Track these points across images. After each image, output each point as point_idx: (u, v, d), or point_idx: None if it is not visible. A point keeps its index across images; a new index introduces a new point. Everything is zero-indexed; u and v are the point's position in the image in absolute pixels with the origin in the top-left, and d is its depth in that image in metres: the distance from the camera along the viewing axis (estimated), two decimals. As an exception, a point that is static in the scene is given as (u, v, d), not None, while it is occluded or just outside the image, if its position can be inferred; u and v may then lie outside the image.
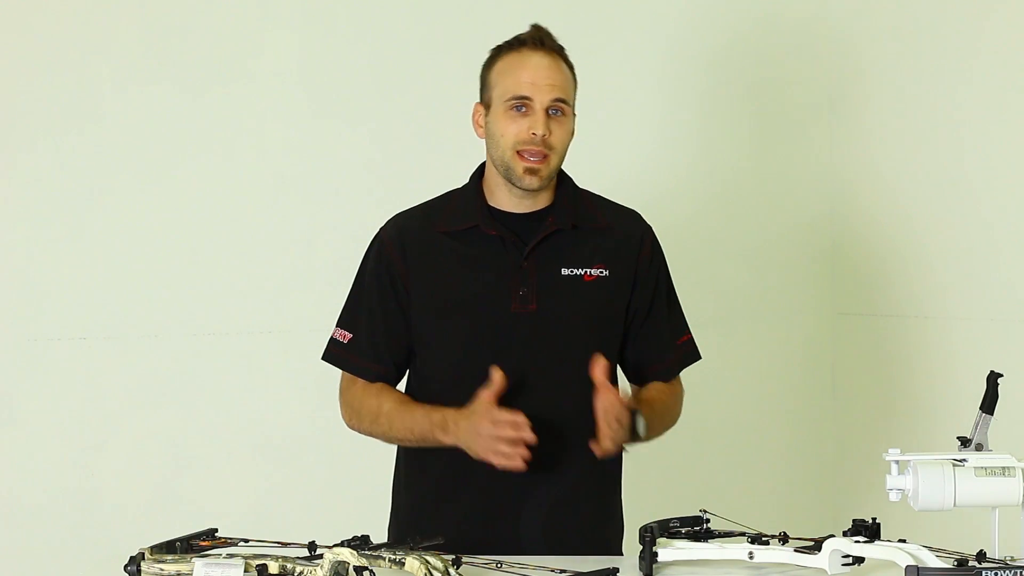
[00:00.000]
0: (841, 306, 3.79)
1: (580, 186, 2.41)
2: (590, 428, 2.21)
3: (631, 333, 2.38)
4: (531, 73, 2.25)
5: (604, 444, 2.18)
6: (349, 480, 3.25)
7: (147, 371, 3.18)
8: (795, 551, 1.98)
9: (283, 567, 1.84)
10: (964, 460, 1.91)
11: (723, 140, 3.72)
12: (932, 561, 1.85)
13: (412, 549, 1.87)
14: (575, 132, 2.34)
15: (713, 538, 2.06)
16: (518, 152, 2.25)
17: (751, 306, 3.76)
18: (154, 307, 3.19)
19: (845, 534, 1.96)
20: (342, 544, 1.88)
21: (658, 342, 2.40)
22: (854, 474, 3.72)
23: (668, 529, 2.07)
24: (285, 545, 2.01)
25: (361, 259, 2.41)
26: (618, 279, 2.34)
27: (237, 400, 3.26)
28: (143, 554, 1.90)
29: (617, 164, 3.52)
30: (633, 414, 2.21)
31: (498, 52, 2.31)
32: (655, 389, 2.40)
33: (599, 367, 2.19)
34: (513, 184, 2.29)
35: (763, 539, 2.03)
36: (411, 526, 2.28)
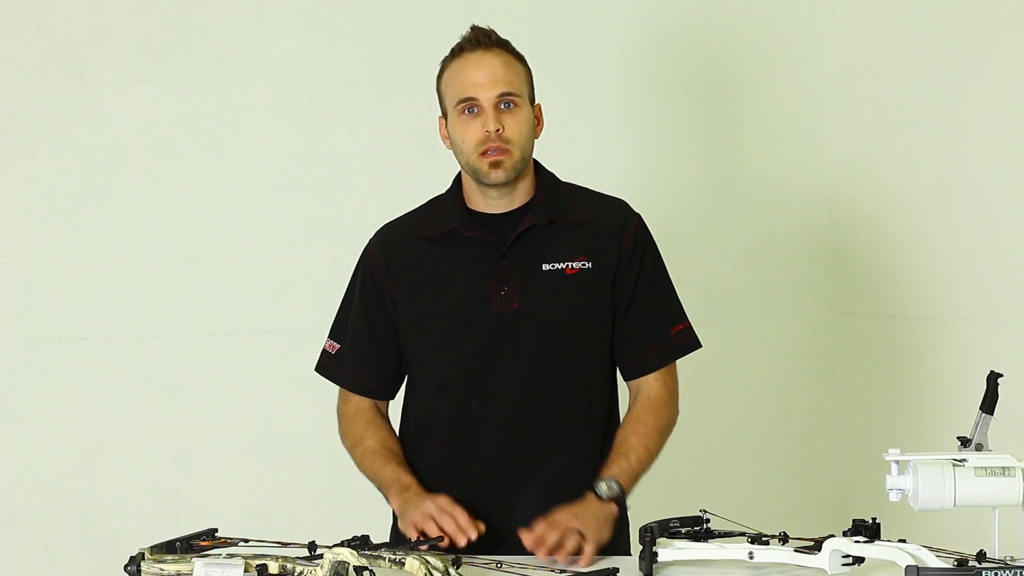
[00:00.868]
0: (841, 306, 3.78)
1: (565, 181, 2.40)
2: (580, 422, 2.28)
3: (616, 320, 2.34)
4: (472, 73, 2.26)
5: (586, 554, 2.10)
6: (349, 480, 3.20)
7: (147, 371, 3.19)
8: (795, 551, 1.98)
9: (283, 567, 1.84)
10: (964, 460, 1.91)
11: (723, 140, 3.72)
12: (932, 561, 1.85)
13: (412, 549, 1.87)
14: (543, 121, 2.34)
15: (713, 538, 2.07)
16: (481, 153, 2.26)
17: (751, 306, 3.76)
18: (154, 307, 3.19)
19: (845, 534, 1.96)
20: (342, 544, 1.89)
21: (644, 329, 2.34)
22: (854, 474, 3.72)
23: (668, 529, 2.08)
24: (285, 545, 2.02)
25: (353, 269, 2.43)
26: (602, 270, 2.31)
27: (237, 400, 3.26)
28: (143, 554, 1.90)
29: (617, 164, 3.53)
30: (594, 487, 2.21)
31: (444, 62, 2.33)
32: (630, 429, 2.31)
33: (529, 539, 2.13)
34: (484, 184, 2.29)
35: (763, 539, 2.03)
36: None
